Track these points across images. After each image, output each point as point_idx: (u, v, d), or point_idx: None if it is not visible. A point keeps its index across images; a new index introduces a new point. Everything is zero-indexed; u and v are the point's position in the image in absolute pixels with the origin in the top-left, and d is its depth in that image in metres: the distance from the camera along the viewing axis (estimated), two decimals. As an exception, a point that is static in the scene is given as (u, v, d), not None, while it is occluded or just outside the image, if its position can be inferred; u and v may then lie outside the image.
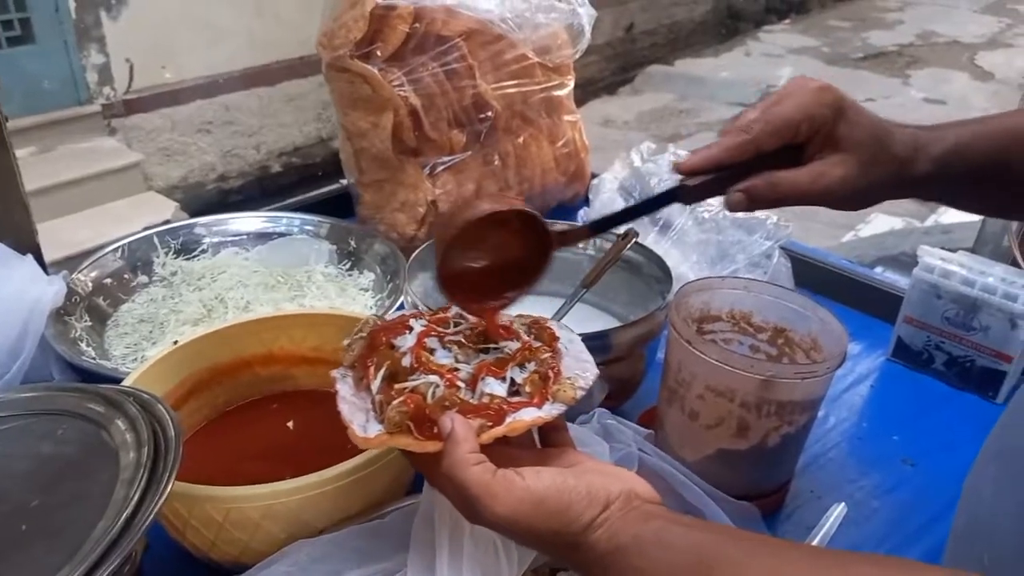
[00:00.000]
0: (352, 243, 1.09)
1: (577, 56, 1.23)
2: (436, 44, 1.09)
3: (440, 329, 0.52)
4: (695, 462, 0.72)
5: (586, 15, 1.18)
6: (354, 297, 1.02)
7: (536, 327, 0.54)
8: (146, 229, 1.07)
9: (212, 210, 1.15)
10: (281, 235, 1.10)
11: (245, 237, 1.09)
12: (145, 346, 0.91)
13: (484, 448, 0.45)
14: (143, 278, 1.03)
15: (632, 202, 1.07)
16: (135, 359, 0.89)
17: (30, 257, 0.88)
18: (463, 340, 0.51)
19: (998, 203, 0.66)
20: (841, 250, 2.65)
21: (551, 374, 0.50)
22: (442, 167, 1.13)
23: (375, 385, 0.48)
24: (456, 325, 0.53)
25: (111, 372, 0.82)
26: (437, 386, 0.47)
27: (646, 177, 1.07)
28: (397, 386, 0.48)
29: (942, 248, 0.94)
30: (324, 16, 1.09)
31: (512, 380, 0.49)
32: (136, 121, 3.20)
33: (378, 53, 1.06)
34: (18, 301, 0.82)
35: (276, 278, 1.03)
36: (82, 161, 2.91)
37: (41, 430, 0.55)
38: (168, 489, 0.46)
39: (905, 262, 0.80)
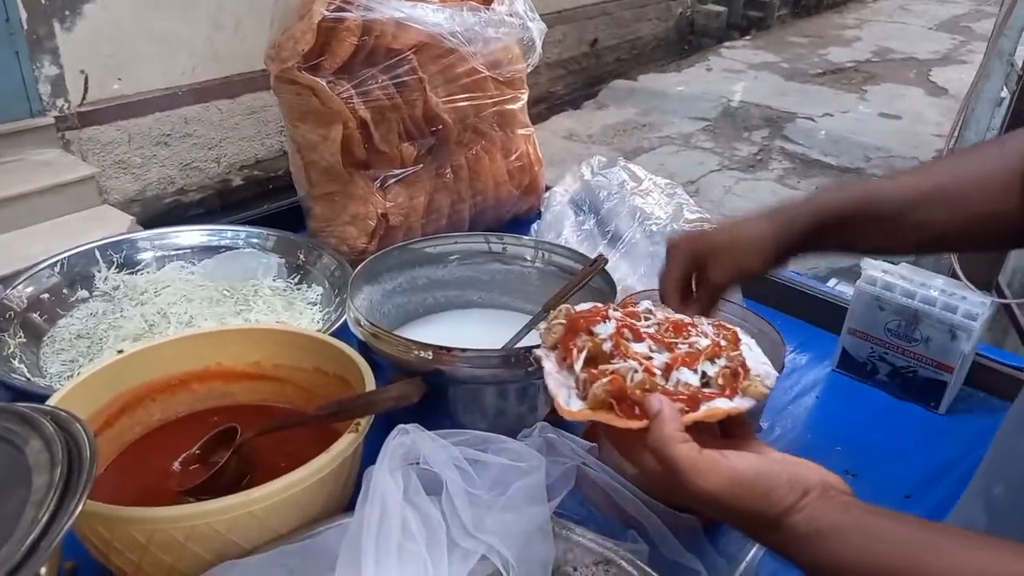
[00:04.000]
0: (301, 256, 1.08)
1: (529, 70, 1.23)
2: (386, 57, 1.08)
3: (633, 322, 0.56)
4: (636, 475, 0.71)
5: (536, 29, 1.18)
6: (301, 311, 1.00)
7: (722, 328, 0.58)
8: (87, 243, 1.04)
9: (170, 224, 1.12)
10: (228, 248, 1.08)
11: (190, 251, 1.07)
12: (82, 363, 0.89)
13: None
14: (83, 293, 1.00)
15: (582, 216, 1.07)
16: (71, 376, 0.87)
17: (-41, 272, 0.85)
18: (655, 334, 0.55)
19: (867, 248, 0.71)
20: (798, 263, 2.69)
21: (740, 370, 0.53)
22: (393, 180, 1.13)
23: (578, 365, 0.52)
24: (647, 319, 0.57)
25: (43, 390, 0.79)
26: (636, 371, 0.51)
27: (596, 191, 1.07)
28: (600, 367, 0.52)
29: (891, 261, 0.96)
30: (272, 28, 1.07)
31: (704, 373, 0.52)
32: (91, 134, 3.13)
33: (326, 66, 1.05)
34: (-56, 317, 0.79)
35: (222, 292, 1.01)
36: (34, 174, 2.84)
37: (-47, 451, 0.53)
38: (77, 511, 0.44)
39: (859, 274, 0.82)
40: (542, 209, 1.12)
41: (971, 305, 0.87)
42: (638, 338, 0.54)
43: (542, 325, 0.60)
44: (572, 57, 5.63)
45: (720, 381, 0.51)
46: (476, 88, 1.18)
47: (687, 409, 0.49)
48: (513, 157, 1.26)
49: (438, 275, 0.95)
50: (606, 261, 0.86)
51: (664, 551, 0.66)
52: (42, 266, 0.97)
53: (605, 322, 0.55)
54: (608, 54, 5.99)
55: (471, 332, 0.93)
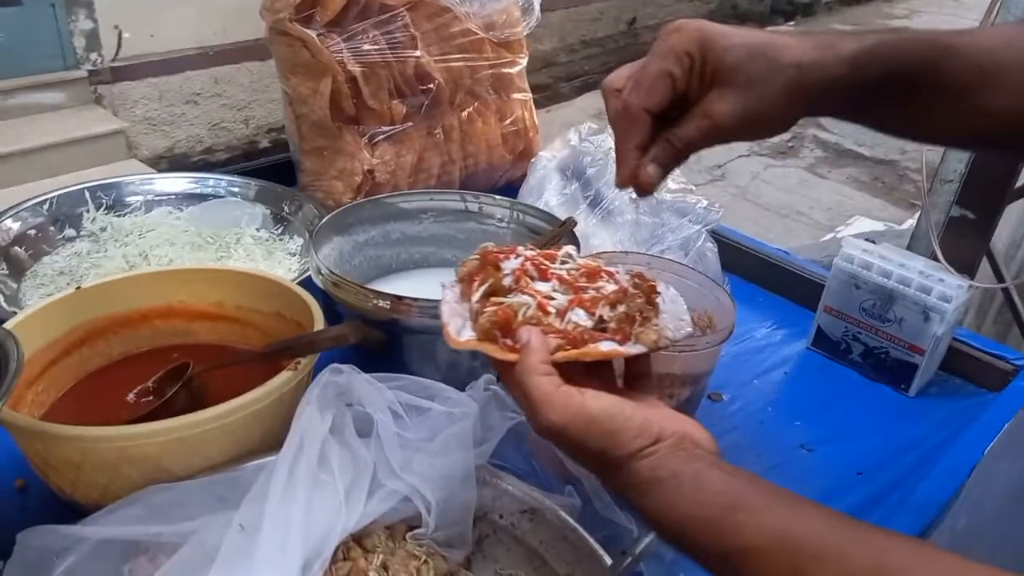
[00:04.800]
0: (285, 208, 1.09)
1: (526, 32, 1.22)
2: (379, 12, 1.08)
3: (545, 262, 0.55)
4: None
5: (534, -9, 1.17)
6: (280, 261, 1.02)
7: (639, 278, 0.56)
8: (78, 183, 1.06)
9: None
10: (214, 197, 1.10)
11: (177, 197, 1.09)
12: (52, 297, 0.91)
13: (564, 372, 0.48)
14: (70, 232, 1.03)
15: (565, 182, 1.06)
16: (48, 309, 0.89)
17: (-54, 203, 0.88)
18: (566, 276, 0.54)
19: (920, 120, 0.56)
20: (816, 248, 2.64)
21: (638, 316, 0.52)
22: (382, 137, 1.13)
23: (475, 296, 0.52)
24: (564, 263, 0.56)
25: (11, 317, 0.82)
26: (529, 307, 0.51)
27: (580, 157, 1.06)
28: (493, 299, 0.52)
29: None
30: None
31: (601, 318, 0.51)
32: (122, 89, 3.19)
33: (318, 18, 1.05)
34: (-75, 244, 0.82)
35: (205, 238, 1.03)
36: (65, 126, 2.91)
37: None
38: (-12, 417, 0.46)
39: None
40: (528, 173, 1.11)
41: (947, 288, 0.85)
42: (543, 277, 0.53)
43: (462, 260, 0.59)
44: (609, 35, 5.56)
45: (612, 325, 0.51)
46: (472, 49, 1.18)
47: (568, 347, 0.49)
48: (508, 121, 1.26)
49: (412, 231, 0.95)
50: (575, 223, 0.86)
51: (598, 507, 0.66)
52: (30, 203, 1.00)
53: (514, 258, 0.54)
54: (646, 34, 5.90)
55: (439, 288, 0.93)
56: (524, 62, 1.27)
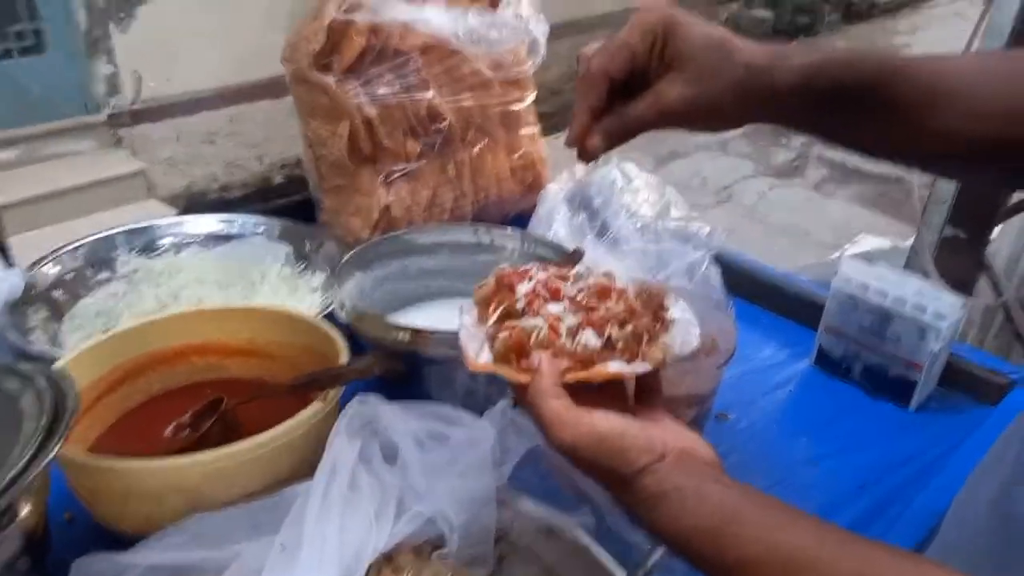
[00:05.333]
0: (307, 245, 1.14)
1: (532, 71, 1.28)
2: (393, 57, 1.14)
3: (558, 283, 0.58)
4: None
5: (540, 31, 1.23)
6: (303, 296, 1.06)
7: (646, 295, 0.58)
8: (110, 229, 1.12)
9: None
10: (240, 236, 1.15)
11: (205, 238, 1.15)
12: (95, 338, 0.96)
13: (574, 392, 0.51)
14: (105, 274, 1.08)
15: (573, 212, 1.11)
16: (87, 349, 0.94)
17: (-9, 251, 0.93)
18: (577, 297, 0.57)
19: (870, 136, 0.57)
20: (824, 268, 2.67)
21: (646, 335, 0.54)
22: (398, 174, 1.18)
23: (491, 320, 0.56)
24: (575, 283, 0.59)
25: (55, 359, 0.87)
26: (541, 329, 0.53)
27: (587, 188, 1.11)
28: (507, 323, 0.55)
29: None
30: (288, 29, 1.15)
31: (610, 336, 0.54)
32: (142, 131, 3.28)
33: (335, 65, 1.11)
34: (-26, 291, 0.87)
35: (232, 277, 1.08)
36: (87, 169, 3.00)
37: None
38: (54, 450, 0.51)
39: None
40: (537, 204, 1.16)
41: (943, 305, 0.89)
42: (555, 298, 0.56)
43: (478, 283, 0.62)
44: (614, 61, 5.64)
45: (620, 345, 0.53)
46: (481, 88, 1.23)
47: (577, 368, 0.52)
48: (517, 156, 1.31)
49: (428, 264, 1.00)
50: (583, 254, 0.90)
51: (611, 524, 0.69)
52: (67, 249, 1.05)
53: (527, 281, 0.57)
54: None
55: (457, 319, 0.98)
56: (531, 98, 1.33)
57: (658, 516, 0.48)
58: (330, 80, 1.10)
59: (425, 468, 0.65)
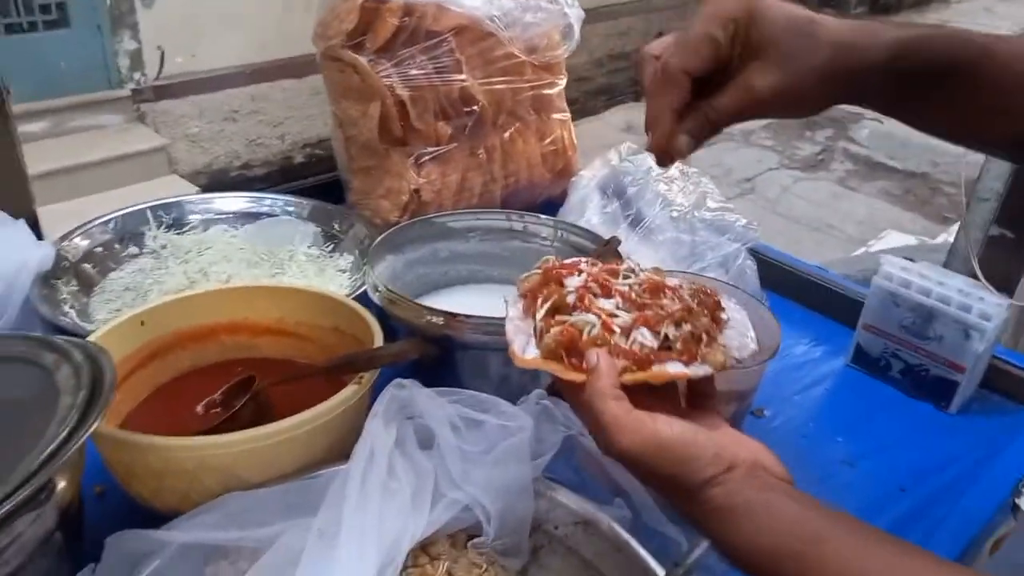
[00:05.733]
0: (336, 226, 1.13)
1: (566, 55, 1.25)
2: (426, 38, 1.13)
3: (609, 278, 0.55)
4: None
5: (575, 16, 1.20)
6: (331, 278, 1.05)
7: (702, 293, 0.56)
8: (141, 203, 1.12)
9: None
10: (268, 215, 1.14)
11: (234, 216, 1.14)
12: (126, 312, 0.96)
13: (628, 393, 0.48)
14: (133, 249, 1.07)
15: (606, 200, 1.09)
16: (116, 324, 0.94)
17: (22, 222, 0.93)
18: (629, 294, 0.54)
19: (955, 118, 0.54)
20: (850, 263, 2.63)
21: (704, 336, 0.52)
22: (428, 157, 1.17)
23: (539, 314, 0.53)
24: (626, 278, 0.56)
25: (86, 332, 0.86)
26: (594, 326, 0.51)
27: (621, 176, 1.09)
28: (558, 317, 0.52)
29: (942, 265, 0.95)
30: (320, 8, 1.13)
31: (666, 336, 0.51)
32: (165, 107, 3.28)
33: (368, 45, 1.10)
34: (5, 262, 0.87)
35: (260, 256, 1.07)
36: (109, 143, 3.00)
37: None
38: (93, 427, 0.50)
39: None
40: (569, 191, 1.14)
41: (987, 306, 0.86)
42: (606, 294, 0.54)
43: (523, 274, 0.60)
44: (637, 50, 5.59)
45: (679, 345, 0.51)
46: (513, 72, 1.21)
47: (635, 368, 0.50)
48: (547, 141, 1.29)
49: (460, 249, 0.99)
50: (619, 242, 0.89)
51: (647, 519, 0.68)
52: (97, 222, 1.05)
53: (577, 275, 0.55)
54: (674, 47, 5.92)
55: (487, 304, 0.96)
56: (563, 83, 1.31)
57: (726, 530, 0.45)
58: (363, 60, 1.09)
59: (462, 455, 0.64)
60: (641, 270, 0.58)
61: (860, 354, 0.98)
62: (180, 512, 0.63)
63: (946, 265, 1.04)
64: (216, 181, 3.46)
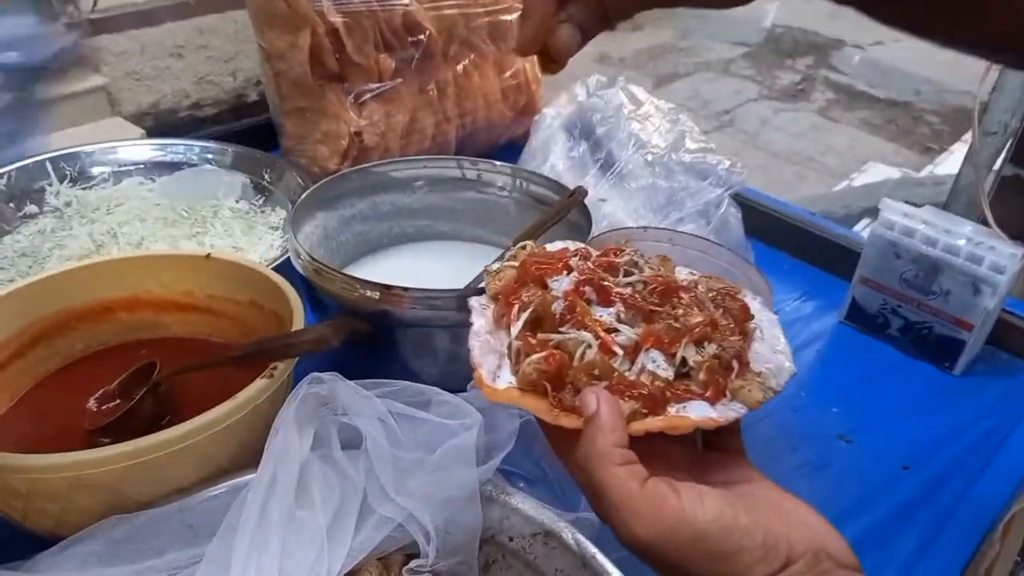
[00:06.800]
0: (266, 176, 1.00)
1: (526, -25, 1.11)
2: (362, -45, 0.98)
3: (606, 276, 0.43)
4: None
5: (535, -73, 1.05)
6: (261, 236, 0.93)
7: (728, 298, 0.44)
8: (38, 155, 0.97)
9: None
10: (188, 165, 1.00)
11: (148, 166, 1.00)
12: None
13: (632, 440, 0.36)
14: (32, 208, 0.94)
15: (572, 142, 0.97)
16: (8, 298, 0.81)
17: None
18: (633, 295, 0.42)
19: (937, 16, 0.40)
20: (831, 199, 2.54)
21: (735, 364, 0.40)
22: (369, 95, 1.03)
23: (515, 328, 0.40)
24: (627, 275, 0.43)
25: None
26: (589, 346, 0.39)
27: (588, 114, 0.96)
28: (540, 335, 0.40)
29: (930, 202, 0.85)
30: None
31: (684, 360, 0.39)
32: (103, 43, 3.04)
33: (293, -37, 0.94)
34: None
35: (179, 213, 0.94)
36: (42, 83, 2.78)
37: None
38: None
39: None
40: (531, 132, 1.01)
41: (999, 256, 0.76)
42: (605, 301, 0.41)
43: (494, 265, 0.48)
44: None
45: (702, 376, 0.38)
46: (466, -6, 1.07)
47: (645, 411, 0.37)
48: (508, 74, 1.15)
49: (404, 202, 0.86)
50: (585, 193, 0.77)
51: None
52: (-17, 178, 0.91)
53: (565, 273, 0.42)
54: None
55: (437, 266, 0.85)
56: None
57: None
58: (288, -20, 0.94)
59: (395, 460, 0.53)
60: (645, 262, 0.45)
61: (855, 310, 0.88)
62: (55, 535, 0.52)
63: (947, 207, 0.94)
64: (163, 122, 3.25)
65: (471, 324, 0.44)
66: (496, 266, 0.47)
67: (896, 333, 0.85)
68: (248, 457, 0.58)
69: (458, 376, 0.60)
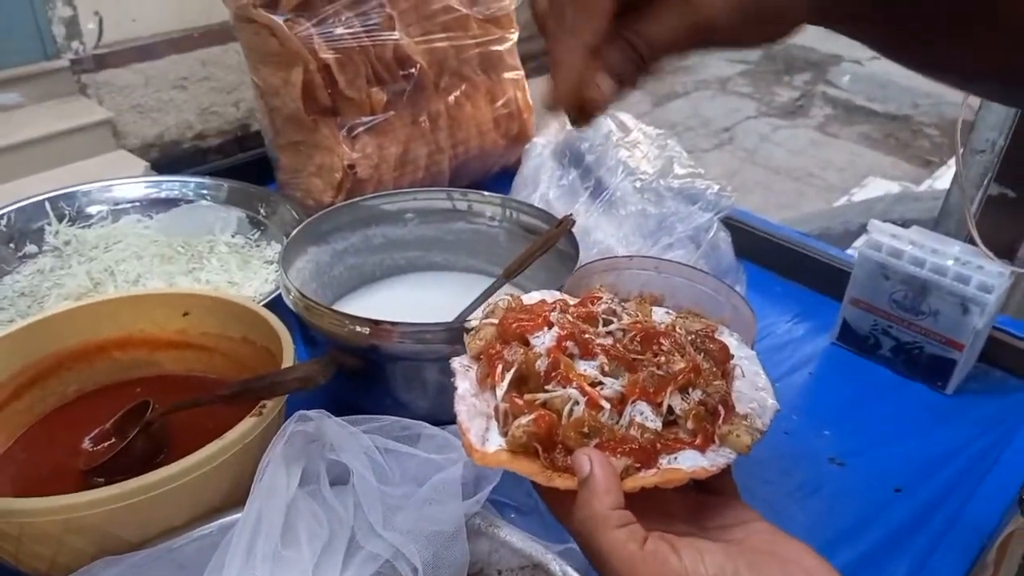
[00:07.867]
0: (262, 210, 1.01)
1: (515, 6, 1.13)
2: (351, -8, 0.99)
3: (587, 328, 0.43)
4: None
5: (521, -40, 1.07)
6: (256, 270, 0.94)
7: (707, 339, 0.44)
8: (36, 195, 0.99)
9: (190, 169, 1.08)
10: (184, 201, 1.02)
11: (144, 203, 1.01)
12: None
13: (627, 495, 0.37)
14: (31, 248, 0.95)
15: (562, 170, 0.98)
16: (7, 338, 0.82)
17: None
18: (615, 345, 0.42)
19: (951, 41, 0.40)
20: (831, 215, 2.54)
21: (721, 409, 0.40)
22: (362, 128, 1.04)
23: (500, 390, 0.41)
24: (606, 323, 0.44)
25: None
26: (576, 403, 0.39)
27: (577, 142, 0.97)
28: (527, 395, 0.40)
29: (930, 216, 0.85)
30: (230, -39, 0.99)
31: (670, 408, 0.39)
32: (107, 77, 3.09)
33: (284, 3, 0.96)
34: None
35: (175, 249, 0.95)
36: (49, 118, 2.81)
37: None
38: None
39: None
40: (522, 161, 1.03)
41: (987, 276, 0.77)
42: (587, 353, 0.41)
43: (472, 322, 0.47)
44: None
45: (690, 424, 0.39)
46: (456, 27, 1.09)
47: (636, 465, 0.37)
48: (499, 104, 1.17)
49: (396, 234, 0.87)
50: (573, 222, 0.78)
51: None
52: (-17, 219, 0.92)
53: (547, 329, 0.42)
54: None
55: (430, 297, 0.86)
56: (514, 38, 1.18)
57: None
58: (278, 20, 0.95)
59: (382, 496, 0.54)
60: (623, 308, 0.45)
61: (847, 331, 0.88)
62: (51, 578, 0.54)
63: (937, 225, 0.94)
64: (168, 154, 3.29)
65: (455, 388, 0.44)
66: (474, 324, 0.47)
67: (888, 354, 0.85)
68: (240, 494, 0.58)
69: (448, 407, 0.61)
